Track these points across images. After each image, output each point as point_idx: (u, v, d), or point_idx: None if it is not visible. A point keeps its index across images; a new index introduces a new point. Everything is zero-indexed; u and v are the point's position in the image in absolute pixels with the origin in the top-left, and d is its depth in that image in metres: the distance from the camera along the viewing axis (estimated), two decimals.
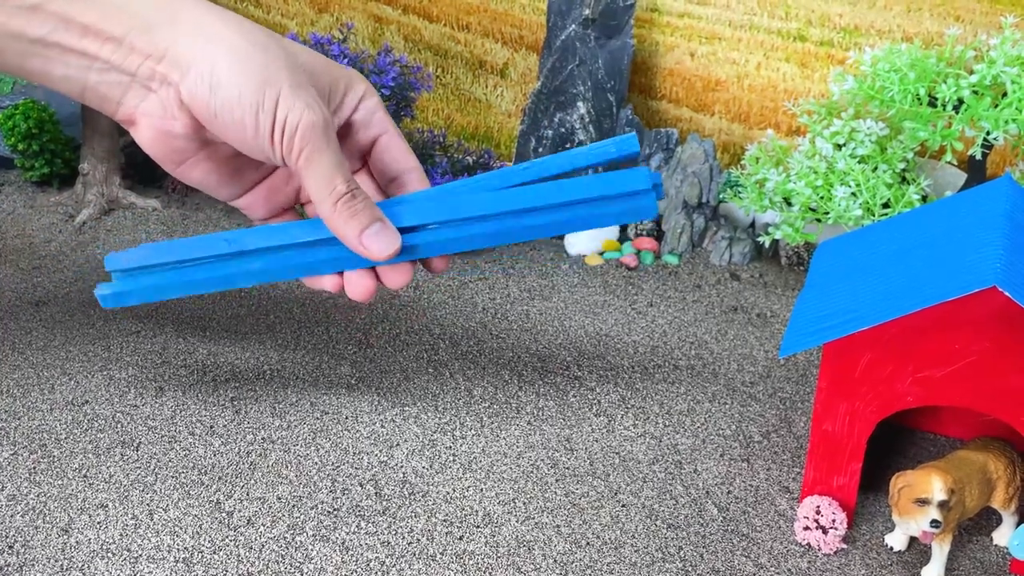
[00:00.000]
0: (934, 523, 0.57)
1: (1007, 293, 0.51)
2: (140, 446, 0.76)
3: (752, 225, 1.07)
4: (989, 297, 0.53)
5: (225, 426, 0.78)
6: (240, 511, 0.69)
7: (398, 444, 0.76)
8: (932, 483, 0.57)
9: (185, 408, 0.80)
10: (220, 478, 0.72)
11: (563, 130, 1.04)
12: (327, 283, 0.53)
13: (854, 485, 0.65)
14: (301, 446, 0.76)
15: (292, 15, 1.25)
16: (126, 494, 0.70)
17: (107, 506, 0.69)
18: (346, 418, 0.79)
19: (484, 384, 0.83)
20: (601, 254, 1.04)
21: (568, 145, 1.05)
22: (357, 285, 0.52)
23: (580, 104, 1.03)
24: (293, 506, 0.69)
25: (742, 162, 0.96)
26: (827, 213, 0.89)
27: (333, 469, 0.73)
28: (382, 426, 0.78)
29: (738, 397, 0.82)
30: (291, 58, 0.44)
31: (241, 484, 0.71)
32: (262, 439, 0.76)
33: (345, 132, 0.51)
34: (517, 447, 0.76)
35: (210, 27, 0.42)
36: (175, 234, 1.09)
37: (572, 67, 1.03)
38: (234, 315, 0.93)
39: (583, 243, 1.04)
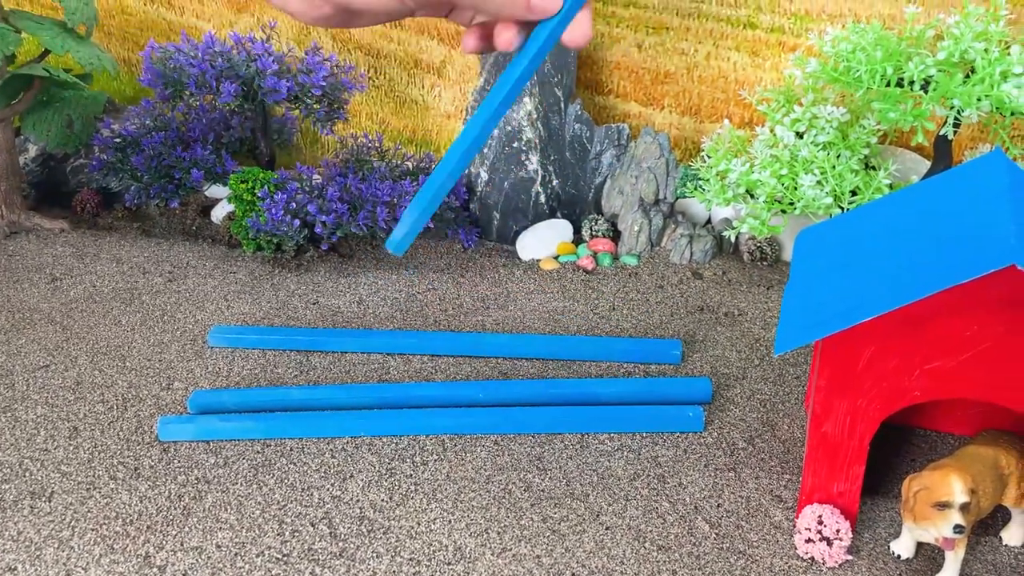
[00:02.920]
0: (957, 528, 0.52)
1: None
2: (53, 496, 0.66)
3: (708, 221, 1.03)
4: (1005, 277, 0.49)
5: (152, 467, 0.69)
6: (174, 564, 0.60)
7: (352, 475, 0.68)
8: (952, 485, 0.52)
9: (104, 449, 0.71)
10: (148, 528, 0.63)
11: (510, 128, 0.98)
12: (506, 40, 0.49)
13: (856, 490, 0.60)
14: (241, 485, 0.67)
15: (208, 16, 1.16)
16: (38, 553, 0.61)
17: (15, 569, 0.60)
18: (291, 450, 0.70)
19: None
20: (556, 258, 0.98)
21: (515, 144, 0.98)
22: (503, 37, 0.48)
23: (527, 100, 0.97)
24: (235, 555, 0.61)
25: (703, 153, 0.92)
26: (792, 204, 0.85)
27: (279, 509, 0.65)
28: (332, 456, 0.70)
29: (716, 401, 0.76)
30: None
31: (173, 533, 0.62)
32: (196, 479, 0.67)
33: None
34: (485, 470, 0.69)
35: None
36: (85, 258, 0.99)
37: None
38: (156, 342, 0.84)
39: (536, 247, 0.98)
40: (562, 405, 0.75)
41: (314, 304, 0.90)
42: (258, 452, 0.70)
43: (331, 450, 0.70)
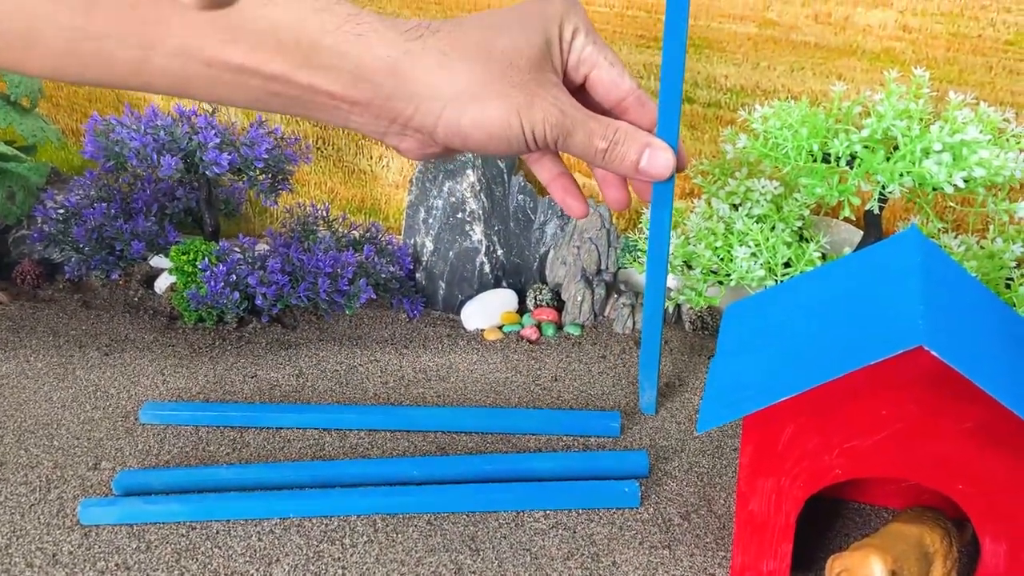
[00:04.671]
0: None
1: (935, 353, 0.47)
2: None
3: None
4: (914, 357, 0.49)
5: (71, 553, 0.66)
6: None
7: (278, 559, 0.66)
8: (872, 566, 0.52)
9: (23, 534, 0.68)
10: None
11: (453, 199, 0.99)
12: (576, 209, 0.61)
13: (785, 569, 0.60)
14: (163, 571, 0.65)
15: None
16: None
17: None
18: (217, 532, 0.69)
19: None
20: (500, 327, 0.98)
21: (459, 215, 0.99)
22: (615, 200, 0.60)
23: (470, 172, 0.98)
24: None
25: (640, 225, 0.93)
26: (728, 275, 0.86)
27: None
28: (259, 539, 0.68)
29: (653, 475, 0.76)
30: (511, 72, 0.48)
31: None
32: (115, 566, 0.65)
33: (565, 76, 0.55)
34: (416, 552, 0.67)
35: (438, 86, 0.47)
36: (22, 332, 0.97)
37: None
38: (87, 419, 0.82)
39: (480, 317, 0.98)
40: (498, 481, 0.74)
41: (252, 377, 0.89)
42: (183, 536, 0.68)
43: (258, 532, 0.69)
